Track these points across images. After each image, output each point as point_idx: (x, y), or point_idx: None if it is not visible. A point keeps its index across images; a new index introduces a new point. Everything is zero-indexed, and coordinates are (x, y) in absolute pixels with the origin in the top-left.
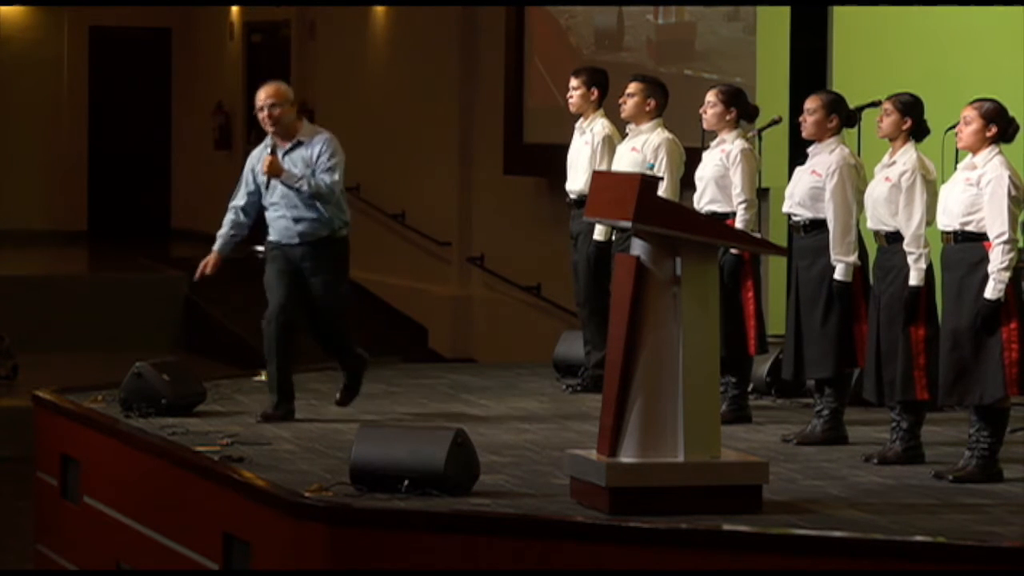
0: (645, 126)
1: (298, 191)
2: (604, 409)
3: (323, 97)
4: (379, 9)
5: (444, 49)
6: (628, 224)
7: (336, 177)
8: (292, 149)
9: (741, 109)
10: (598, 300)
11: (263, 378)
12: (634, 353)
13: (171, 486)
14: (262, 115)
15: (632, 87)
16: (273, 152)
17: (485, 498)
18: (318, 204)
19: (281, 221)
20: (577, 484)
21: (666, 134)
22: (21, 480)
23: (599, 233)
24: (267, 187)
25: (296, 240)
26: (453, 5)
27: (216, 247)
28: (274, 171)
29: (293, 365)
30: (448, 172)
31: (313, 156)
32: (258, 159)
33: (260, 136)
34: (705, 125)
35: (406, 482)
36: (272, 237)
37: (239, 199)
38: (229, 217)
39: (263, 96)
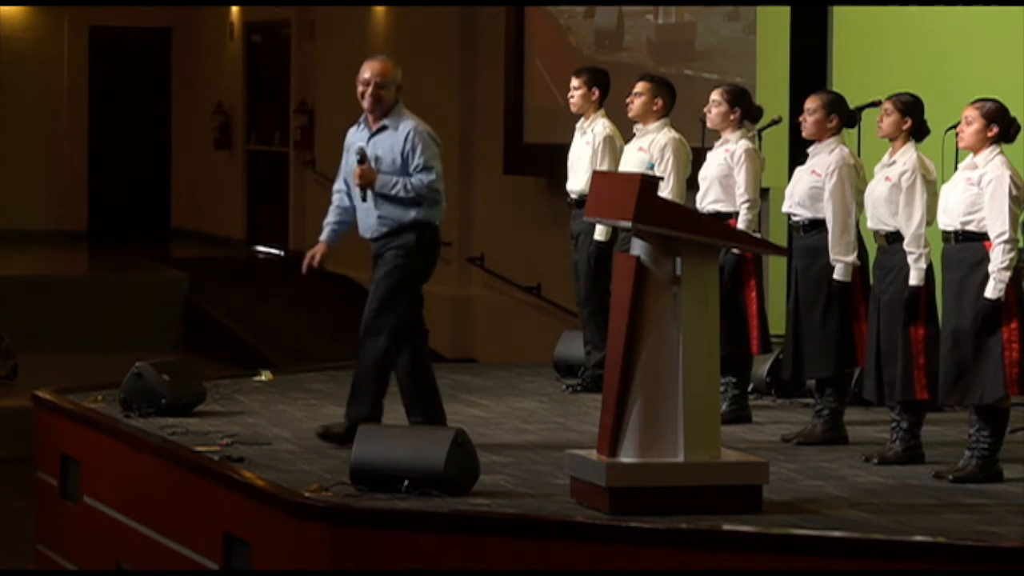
0: (652, 126)
1: (395, 197)
2: (604, 409)
3: (323, 97)
4: (379, 9)
5: (444, 49)
6: (628, 224)
7: (433, 176)
8: (378, 132)
9: (745, 109)
10: (598, 300)
11: (263, 378)
12: (634, 353)
13: (171, 486)
14: (367, 90)
15: (640, 87)
16: (362, 160)
17: (485, 498)
18: (411, 203)
19: (364, 214)
20: (577, 484)
21: (673, 134)
22: (21, 480)
23: (600, 233)
24: (364, 198)
25: (374, 233)
26: (453, 5)
27: (323, 237)
28: (367, 182)
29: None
30: (448, 172)
31: (399, 148)
32: (349, 142)
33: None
34: (709, 124)
35: (406, 482)
36: (359, 232)
37: (340, 184)
38: (334, 204)
39: (369, 72)
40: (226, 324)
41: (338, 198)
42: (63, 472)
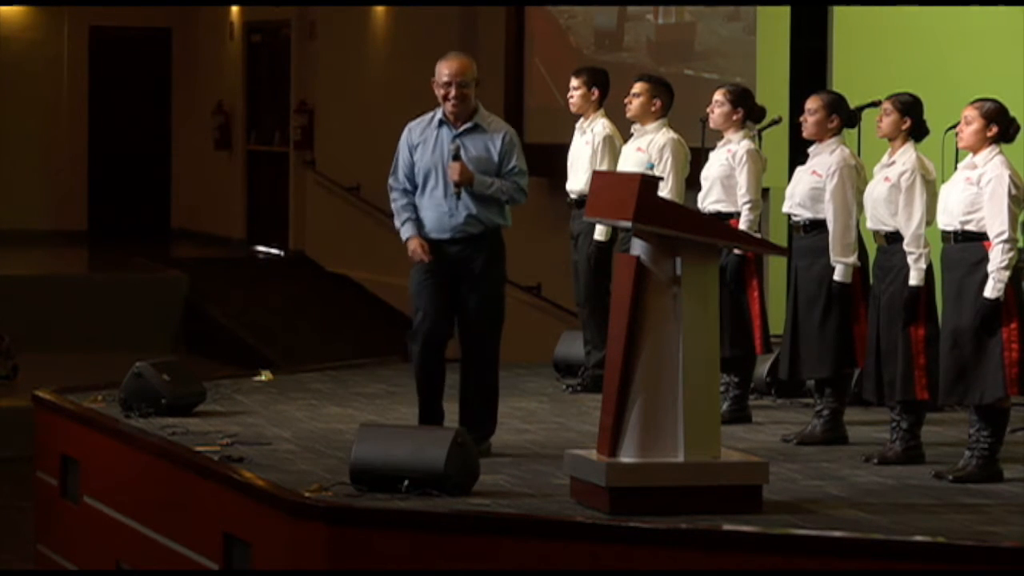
0: (650, 126)
1: (491, 196)
2: (604, 409)
3: (323, 97)
4: (379, 9)
5: (444, 49)
6: (628, 224)
7: (526, 180)
8: (467, 132)
9: (748, 109)
10: (598, 300)
11: (263, 378)
12: (634, 353)
13: (171, 486)
14: (449, 92)
15: (638, 87)
16: (457, 157)
17: (485, 498)
18: (500, 205)
19: (443, 214)
20: (577, 484)
21: (671, 134)
22: (21, 480)
23: (599, 233)
24: (458, 195)
25: (456, 234)
26: (453, 5)
27: (413, 232)
28: (466, 180)
29: (441, 398)
30: None
31: (497, 149)
32: (420, 138)
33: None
34: (712, 125)
35: (406, 482)
36: (428, 232)
37: (402, 180)
38: (404, 201)
39: (448, 73)
40: (226, 324)
41: (403, 196)
42: (63, 472)
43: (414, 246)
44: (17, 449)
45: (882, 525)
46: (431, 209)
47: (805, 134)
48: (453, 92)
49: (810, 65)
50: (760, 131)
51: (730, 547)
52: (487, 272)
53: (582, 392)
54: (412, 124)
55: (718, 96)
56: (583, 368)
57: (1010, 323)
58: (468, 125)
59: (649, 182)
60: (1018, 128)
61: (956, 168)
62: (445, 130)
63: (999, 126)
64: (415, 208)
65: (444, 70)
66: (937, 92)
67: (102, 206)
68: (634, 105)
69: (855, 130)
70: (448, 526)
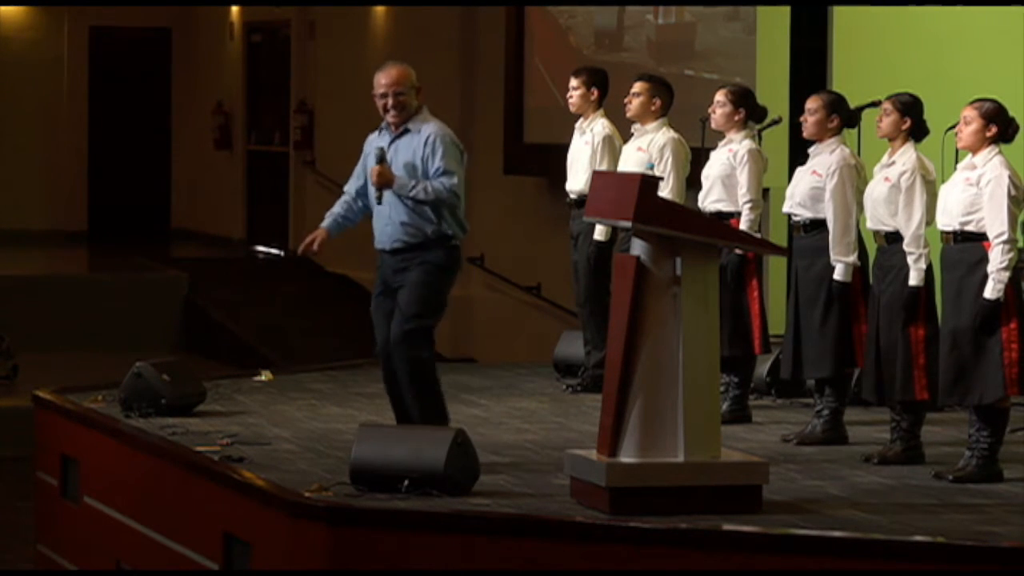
0: (650, 126)
1: (414, 199)
2: (604, 409)
3: (323, 97)
4: (379, 9)
5: (444, 49)
6: (628, 224)
7: (455, 180)
8: (399, 136)
9: (750, 110)
10: (598, 300)
11: (263, 378)
12: (634, 353)
13: (171, 486)
14: (387, 102)
15: (638, 87)
16: (381, 160)
17: (485, 498)
18: (432, 210)
19: (383, 223)
20: (577, 484)
21: (671, 133)
22: (21, 480)
23: (599, 233)
24: (379, 200)
25: (394, 244)
26: (453, 5)
27: (325, 224)
28: (384, 182)
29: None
30: None
31: (420, 152)
32: (369, 148)
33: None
34: (713, 125)
35: (406, 482)
36: (376, 243)
37: (353, 185)
38: (343, 199)
39: (385, 83)
40: (226, 324)
41: (346, 196)
42: (63, 472)
43: (313, 234)
44: (17, 449)
45: (882, 525)
46: (376, 220)
47: (805, 134)
48: (390, 102)
49: (810, 65)
50: (760, 131)
51: (730, 547)
52: (420, 278)
53: (582, 392)
54: (371, 135)
55: (720, 97)
56: (583, 368)
57: (1010, 323)
58: (400, 131)
59: (649, 182)
60: (1017, 128)
61: (956, 168)
62: (386, 137)
63: (998, 126)
64: (345, 207)
65: (381, 80)
66: (937, 92)
67: (102, 206)
68: (634, 105)
69: (855, 130)
70: (448, 526)
